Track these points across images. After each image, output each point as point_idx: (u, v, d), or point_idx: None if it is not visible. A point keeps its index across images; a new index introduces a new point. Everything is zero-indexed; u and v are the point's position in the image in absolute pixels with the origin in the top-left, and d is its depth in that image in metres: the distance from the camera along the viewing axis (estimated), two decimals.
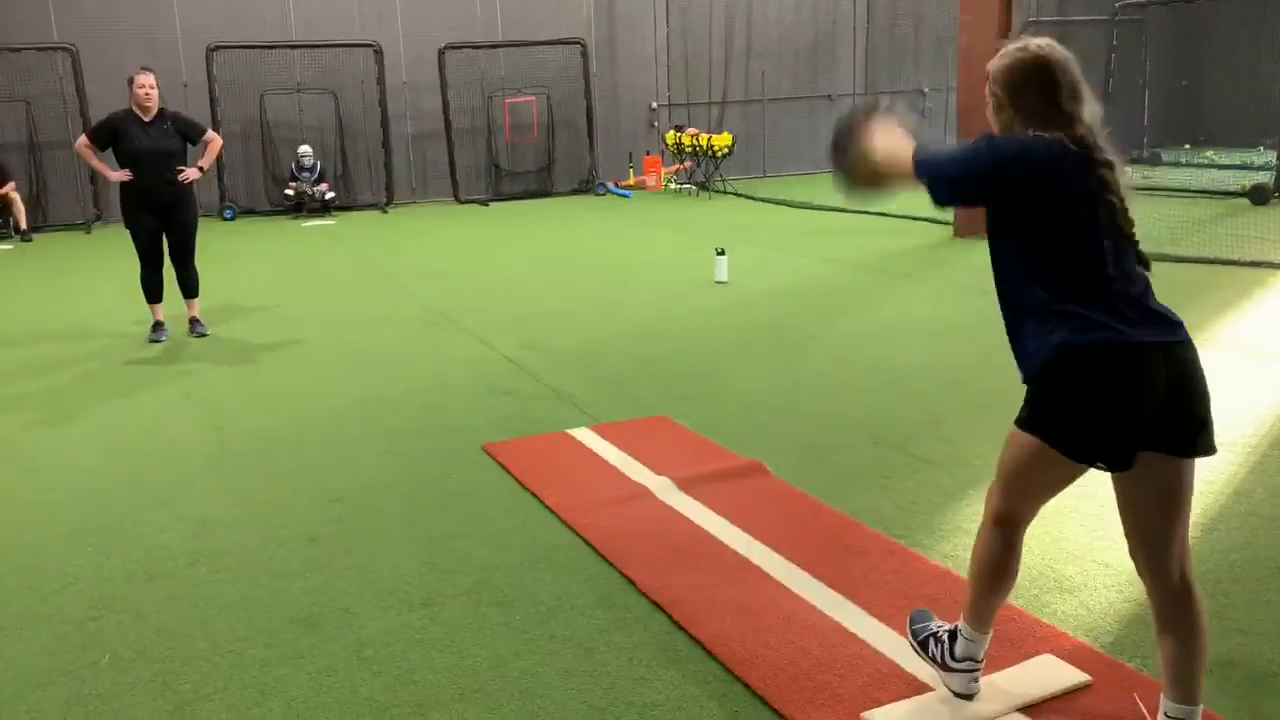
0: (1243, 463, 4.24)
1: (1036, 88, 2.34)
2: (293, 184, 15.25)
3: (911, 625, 2.80)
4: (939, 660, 2.67)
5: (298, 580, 3.53)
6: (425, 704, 2.76)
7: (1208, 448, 2.32)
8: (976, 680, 2.64)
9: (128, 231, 7.24)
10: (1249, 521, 3.68)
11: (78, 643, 3.16)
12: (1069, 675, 2.74)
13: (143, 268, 7.28)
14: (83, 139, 7.21)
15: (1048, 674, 2.76)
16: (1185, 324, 2.32)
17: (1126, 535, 2.43)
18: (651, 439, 4.79)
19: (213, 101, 14.89)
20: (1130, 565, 2.46)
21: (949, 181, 2.41)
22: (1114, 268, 2.30)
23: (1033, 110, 2.34)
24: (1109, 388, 2.23)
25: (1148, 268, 2.40)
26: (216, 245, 12.40)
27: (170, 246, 7.27)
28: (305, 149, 15.35)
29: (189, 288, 7.47)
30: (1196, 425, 2.31)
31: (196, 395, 5.96)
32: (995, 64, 2.43)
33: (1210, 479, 4.06)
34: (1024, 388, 2.38)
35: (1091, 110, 2.35)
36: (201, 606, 3.37)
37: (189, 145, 7.28)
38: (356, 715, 2.73)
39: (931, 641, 2.70)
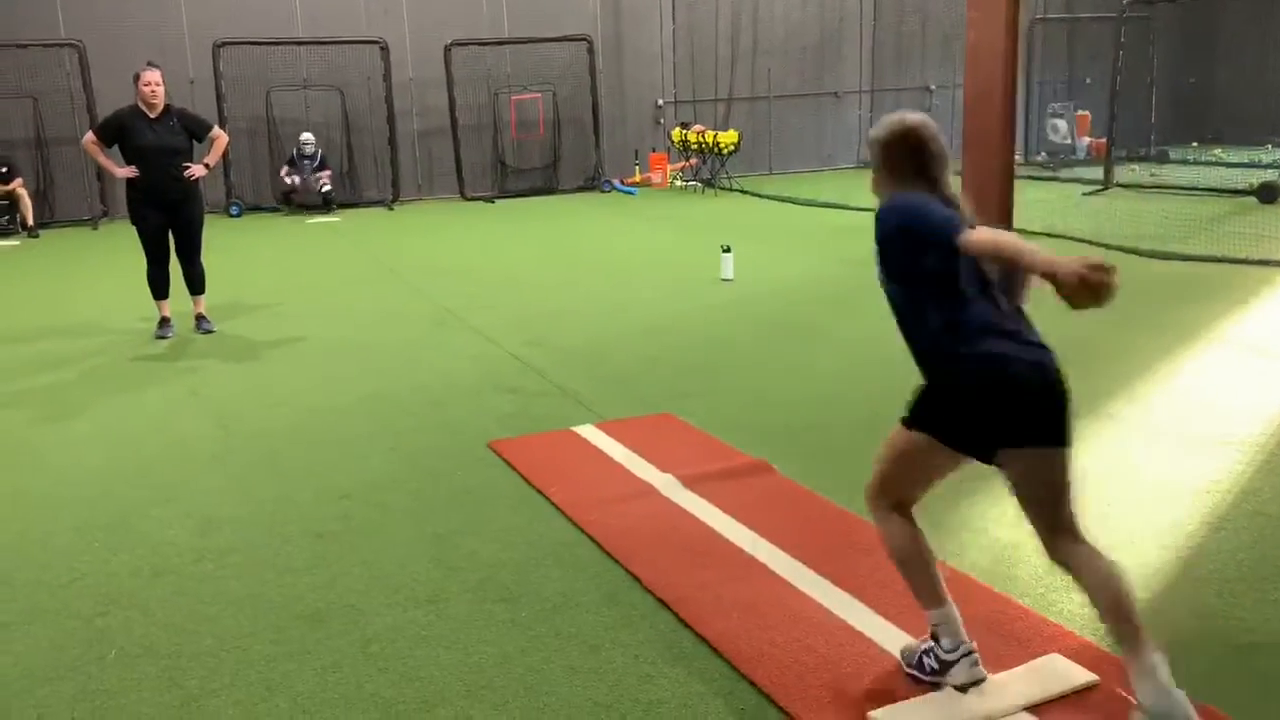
0: (1250, 462, 4.23)
1: (910, 156, 2.65)
2: (289, 170, 15.18)
3: (904, 659, 2.82)
4: (936, 665, 2.69)
5: (304, 576, 3.53)
6: (431, 700, 2.77)
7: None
8: (977, 664, 2.65)
9: (134, 228, 7.25)
10: (1256, 521, 3.67)
11: (85, 638, 3.17)
12: (1076, 674, 2.74)
13: (149, 264, 7.27)
14: (90, 135, 7.23)
15: (1055, 673, 2.75)
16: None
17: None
18: (657, 436, 4.79)
19: (219, 98, 14.90)
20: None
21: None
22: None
23: (905, 175, 2.66)
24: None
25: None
26: (222, 242, 12.41)
27: (176, 243, 7.27)
28: (307, 136, 15.32)
29: (195, 284, 7.46)
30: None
31: (202, 392, 5.97)
32: (873, 134, 2.75)
33: (1217, 478, 4.06)
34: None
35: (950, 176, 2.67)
36: (208, 602, 3.37)
37: (195, 142, 7.30)
38: (362, 711, 2.73)
39: (923, 658, 2.74)
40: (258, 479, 4.52)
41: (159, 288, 7.37)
